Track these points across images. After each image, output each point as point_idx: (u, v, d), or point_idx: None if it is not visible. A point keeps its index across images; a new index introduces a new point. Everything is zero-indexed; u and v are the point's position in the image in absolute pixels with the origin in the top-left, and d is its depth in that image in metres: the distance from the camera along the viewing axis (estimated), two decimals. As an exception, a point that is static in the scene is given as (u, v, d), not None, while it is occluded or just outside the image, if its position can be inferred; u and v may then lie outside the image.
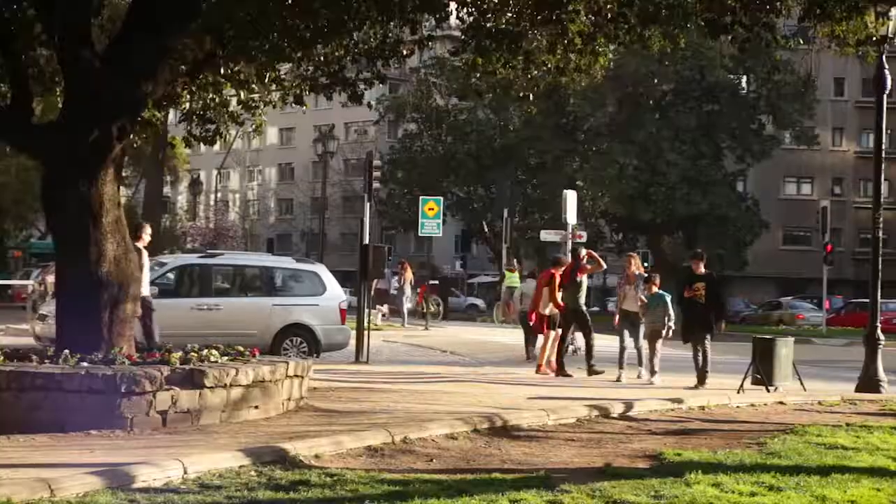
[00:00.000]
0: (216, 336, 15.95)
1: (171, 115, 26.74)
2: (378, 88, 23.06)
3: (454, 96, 52.42)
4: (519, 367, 20.26)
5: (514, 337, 27.09)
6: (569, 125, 51.58)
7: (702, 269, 17.32)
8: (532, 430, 11.90)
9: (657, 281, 17.97)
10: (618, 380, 17.42)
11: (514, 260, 41.57)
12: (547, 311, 18.63)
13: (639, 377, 17.70)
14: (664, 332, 17.58)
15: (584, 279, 18.60)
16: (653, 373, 17.52)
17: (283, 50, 14.09)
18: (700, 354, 16.88)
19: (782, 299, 56.21)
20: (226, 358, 12.22)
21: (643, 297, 17.73)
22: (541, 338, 19.15)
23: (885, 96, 17.51)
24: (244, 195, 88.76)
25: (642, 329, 17.80)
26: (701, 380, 16.82)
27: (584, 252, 19.03)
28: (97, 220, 11.74)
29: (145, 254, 16.12)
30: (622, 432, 12.02)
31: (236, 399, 11.29)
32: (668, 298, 17.61)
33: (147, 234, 16.17)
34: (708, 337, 16.95)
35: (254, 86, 15.42)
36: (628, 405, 13.78)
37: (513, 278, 35.53)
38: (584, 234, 38.87)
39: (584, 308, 18.64)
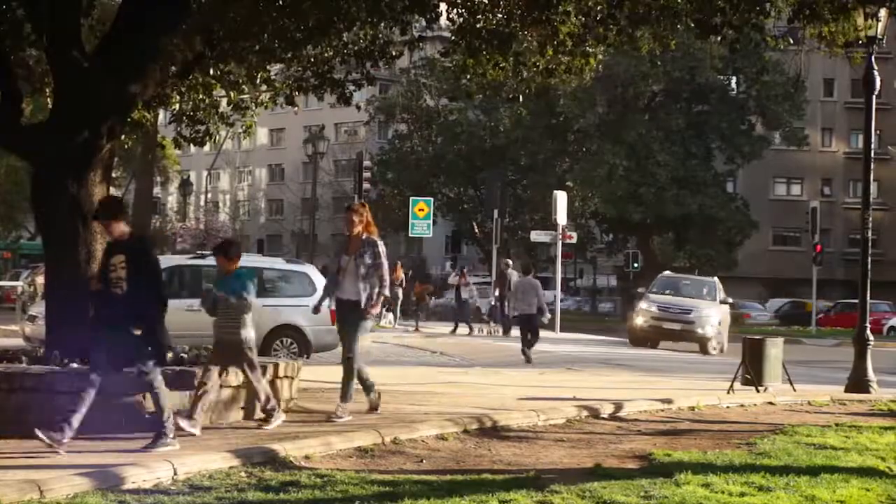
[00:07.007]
0: (207, 337, 15.90)
1: (161, 116, 26.71)
2: (368, 89, 23.05)
3: (444, 97, 52.44)
4: (506, 368, 20.25)
5: (504, 339, 27.15)
6: (559, 126, 51.63)
7: (123, 230, 9.45)
8: (522, 430, 11.90)
9: (239, 254, 10.79)
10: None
11: (507, 260, 41.66)
12: None
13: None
14: (245, 349, 10.58)
15: None
16: (274, 413, 10.77)
17: (273, 51, 14.10)
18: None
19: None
20: (216, 359, 12.18)
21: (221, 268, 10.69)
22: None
23: (874, 97, 17.55)
24: (234, 196, 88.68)
25: (366, 324, 11.78)
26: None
27: None
28: (87, 221, 11.70)
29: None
30: (612, 433, 12.02)
31: (226, 400, 11.28)
32: (251, 283, 10.74)
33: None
34: (150, 364, 9.33)
35: (244, 87, 15.41)
36: (618, 406, 13.78)
37: None
38: (575, 234, 39.06)
39: None
